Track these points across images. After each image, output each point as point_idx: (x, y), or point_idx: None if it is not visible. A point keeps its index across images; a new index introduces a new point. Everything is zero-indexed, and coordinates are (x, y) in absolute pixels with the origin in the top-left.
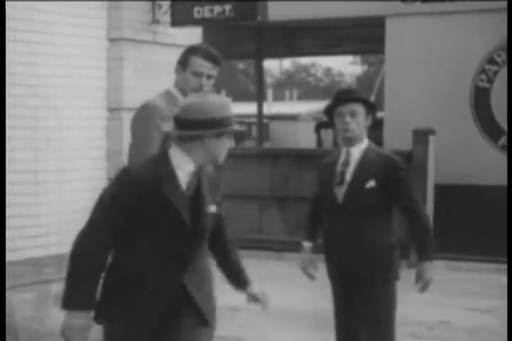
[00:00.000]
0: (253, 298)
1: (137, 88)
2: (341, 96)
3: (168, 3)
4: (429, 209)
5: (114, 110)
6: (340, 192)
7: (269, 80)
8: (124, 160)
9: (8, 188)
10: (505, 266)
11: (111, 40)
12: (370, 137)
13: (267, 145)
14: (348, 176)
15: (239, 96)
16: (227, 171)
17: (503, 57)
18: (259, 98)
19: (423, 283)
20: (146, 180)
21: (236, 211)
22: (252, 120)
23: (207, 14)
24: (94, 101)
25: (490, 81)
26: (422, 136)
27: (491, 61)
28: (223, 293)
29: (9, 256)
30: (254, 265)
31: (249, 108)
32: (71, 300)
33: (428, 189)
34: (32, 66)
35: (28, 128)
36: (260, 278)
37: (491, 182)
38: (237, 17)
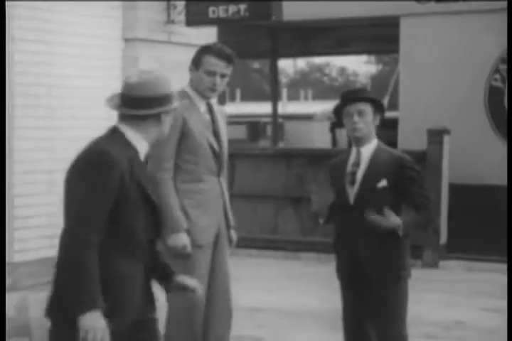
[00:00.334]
0: (183, 287)
1: None
2: (348, 96)
3: (183, 3)
4: (444, 209)
5: None
6: (351, 192)
7: (283, 80)
8: None
9: (24, 188)
10: None
11: (126, 40)
12: (384, 137)
13: (281, 145)
14: (359, 176)
15: (254, 96)
16: (242, 171)
17: None
18: (274, 98)
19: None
20: (123, 163)
21: (251, 211)
22: (267, 120)
23: (222, 14)
24: None
25: (504, 80)
26: (436, 136)
27: (505, 61)
28: (242, 294)
29: (25, 256)
30: (270, 265)
31: (263, 107)
32: (88, 303)
33: (443, 189)
34: (48, 66)
35: (44, 129)
36: (277, 278)
37: (505, 182)
38: (252, 17)
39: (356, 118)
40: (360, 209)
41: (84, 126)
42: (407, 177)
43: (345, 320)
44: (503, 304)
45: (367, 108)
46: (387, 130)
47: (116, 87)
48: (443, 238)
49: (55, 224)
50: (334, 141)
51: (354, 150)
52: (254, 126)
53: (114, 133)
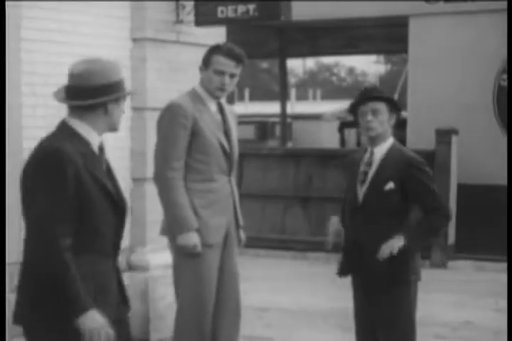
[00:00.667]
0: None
1: (161, 88)
2: (363, 95)
3: (192, 3)
4: (452, 209)
5: (137, 110)
6: (361, 192)
7: (292, 80)
8: (148, 160)
9: None
10: None
11: (134, 40)
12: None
13: (289, 144)
14: (370, 177)
15: (262, 96)
16: (251, 171)
17: None
18: (283, 97)
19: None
20: (76, 159)
21: (259, 211)
22: (276, 120)
23: (230, 14)
24: None
25: None
26: (444, 136)
27: None
28: (250, 293)
29: None
30: (278, 265)
31: (272, 107)
32: (82, 305)
33: (451, 189)
34: (56, 66)
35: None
36: (286, 277)
37: None
38: (261, 17)
39: (370, 117)
40: (367, 210)
41: None
42: (412, 178)
43: (356, 323)
44: None
45: (382, 107)
46: (396, 130)
47: None
48: (451, 238)
49: None
50: (343, 141)
51: (368, 149)
52: (263, 126)
53: (63, 127)
